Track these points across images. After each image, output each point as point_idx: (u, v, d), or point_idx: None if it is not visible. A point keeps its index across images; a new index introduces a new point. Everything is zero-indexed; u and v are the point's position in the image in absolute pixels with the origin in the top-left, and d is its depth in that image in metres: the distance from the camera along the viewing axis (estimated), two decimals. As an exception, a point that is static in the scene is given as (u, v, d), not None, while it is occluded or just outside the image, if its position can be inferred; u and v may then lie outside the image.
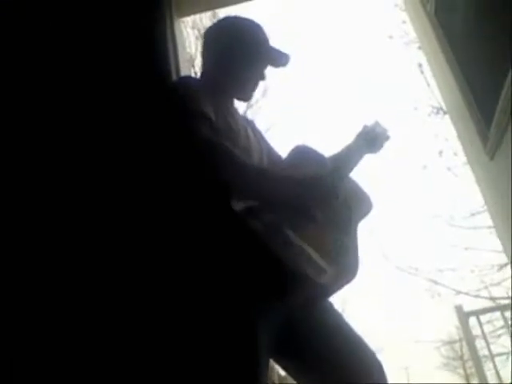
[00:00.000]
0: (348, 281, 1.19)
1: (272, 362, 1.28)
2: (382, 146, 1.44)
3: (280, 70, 1.49)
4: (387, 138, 1.45)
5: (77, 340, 1.51)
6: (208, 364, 1.10)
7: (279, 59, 1.46)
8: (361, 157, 1.35)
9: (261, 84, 1.49)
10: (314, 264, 1.12)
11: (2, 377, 1.49)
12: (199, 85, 1.38)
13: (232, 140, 1.27)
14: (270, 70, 1.49)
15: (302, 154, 1.38)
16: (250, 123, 1.53)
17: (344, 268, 1.19)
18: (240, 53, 1.42)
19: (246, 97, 1.47)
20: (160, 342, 1.42)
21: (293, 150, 1.39)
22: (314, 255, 1.13)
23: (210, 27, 1.53)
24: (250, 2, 2.28)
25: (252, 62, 1.43)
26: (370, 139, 1.39)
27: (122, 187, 1.66)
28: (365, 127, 1.41)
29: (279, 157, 1.49)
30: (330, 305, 1.29)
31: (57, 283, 1.58)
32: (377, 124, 1.43)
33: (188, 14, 2.31)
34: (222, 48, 1.44)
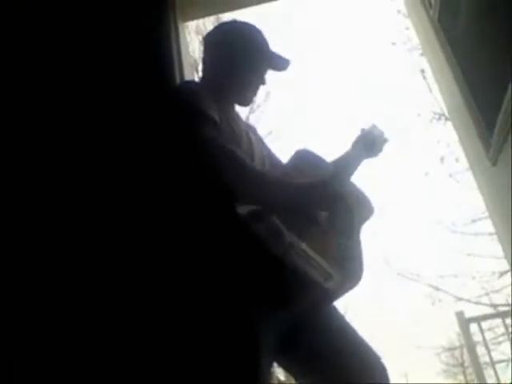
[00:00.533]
0: (352, 285, 1.19)
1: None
2: (381, 150, 1.43)
3: (283, 74, 1.50)
4: (385, 140, 1.44)
5: (78, 342, 1.51)
6: (209, 365, 1.10)
7: (280, 64, 1.46)
8: (360, 161, 1.35)
9: (263, 88, 1.50)
10: (321, 269, 1.12)
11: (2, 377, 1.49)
12: (202, 89, 1.39)
13: (235, 144, 1.28)
14: (273, 75, 1.50)
15: (304, 159, 1.38)
16: (252, 128, 1.54)
17: (349, 272, 1.19)
18: (241, 58, 1.43)
19: (245, 102, 1.47)
20: (161, 343, 1.42)
21: (294, 155, 1.39)
22: (320, 260, 1.13)
23: (210, 32, 1.53)
24: (253, 7, 2.29)
25: (253, 67, 1.44)
26: (369, 143, 1.38)
27: (125, 190, 1.66)
28: (362, 131, 1.41)
29: (280, 162, 1.50)
30: (333, 307, 1.29)
31: (58, 283, 1.59)
32: (374, 127, 1.42)
33: (192, 19, 2.32)
34: (223, 53, 1.44)
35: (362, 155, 1.36)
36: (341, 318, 1.30)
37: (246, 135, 1.40)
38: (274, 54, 1.45)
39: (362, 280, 1.21)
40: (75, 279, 1.58)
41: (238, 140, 1.32)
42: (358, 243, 1.26)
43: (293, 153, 1.39)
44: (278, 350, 1.17)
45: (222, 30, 1.52)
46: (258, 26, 1.52)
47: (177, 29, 1.95)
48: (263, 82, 1.47)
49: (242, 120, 1.52)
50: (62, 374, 1.48)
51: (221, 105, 1.35)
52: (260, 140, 1.51)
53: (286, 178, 1.30)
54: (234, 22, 1.53)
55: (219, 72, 1.44)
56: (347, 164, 1.33)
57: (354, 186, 1.34)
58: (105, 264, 1.58)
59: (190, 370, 1.15)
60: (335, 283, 1.13)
